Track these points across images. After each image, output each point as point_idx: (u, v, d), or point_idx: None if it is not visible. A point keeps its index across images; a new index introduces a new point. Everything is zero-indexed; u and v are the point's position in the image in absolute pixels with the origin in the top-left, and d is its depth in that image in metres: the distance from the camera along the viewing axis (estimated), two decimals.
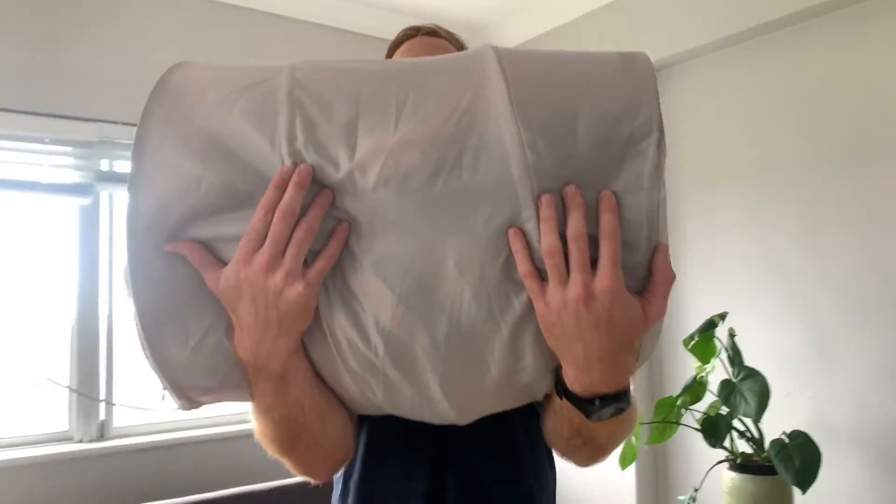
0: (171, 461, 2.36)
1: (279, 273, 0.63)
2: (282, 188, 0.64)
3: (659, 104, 0.65)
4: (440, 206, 0.64)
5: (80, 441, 2.31)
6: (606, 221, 0.62)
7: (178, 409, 0.77)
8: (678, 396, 1.99)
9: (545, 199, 0.62)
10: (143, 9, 2.42)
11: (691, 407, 2.00)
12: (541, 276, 0.63)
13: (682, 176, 2.47)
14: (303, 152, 0.65)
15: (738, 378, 1.88)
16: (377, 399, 0.72)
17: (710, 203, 2.38)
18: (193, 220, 0.66)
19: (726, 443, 1.94)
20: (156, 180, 0.66)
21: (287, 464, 0.81)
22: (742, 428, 1.94)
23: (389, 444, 0.90)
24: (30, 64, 2.22)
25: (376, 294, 0.65)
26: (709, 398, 1.99)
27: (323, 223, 0.66)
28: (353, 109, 0.66)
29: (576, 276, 0.61)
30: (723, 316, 1.94)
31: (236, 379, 0.72)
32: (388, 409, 0.75)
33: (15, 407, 2.29)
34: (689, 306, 2.42)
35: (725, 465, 1.95)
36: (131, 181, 0.66)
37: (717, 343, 1.96)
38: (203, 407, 0.76)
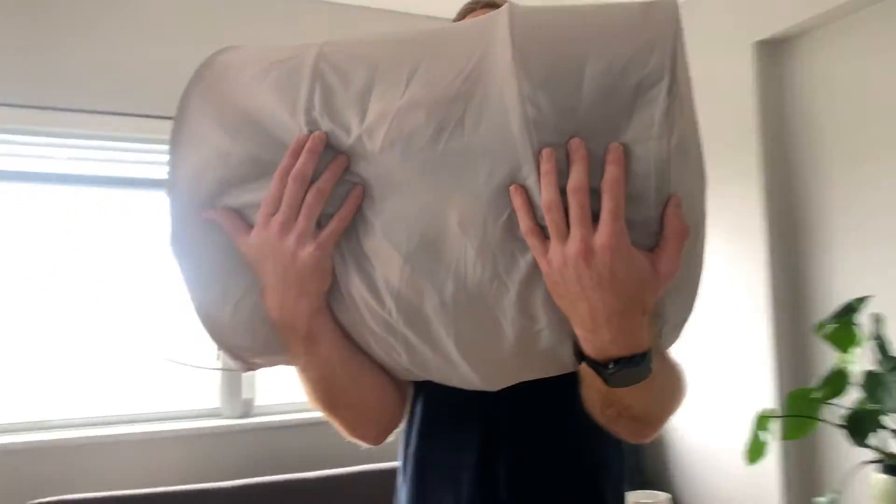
0: (310, 437, 2.51)
1: (292, 235, 0.67)
2: (297, 155, 0.67)
3: (675, 48, 0.61)
4: (443, 166, 0.64)
5: (228, 417, 2.53)
6: (609, 173, 0.59)
7: (237, 370, 0.82)
8: (816, 389, 1.81)
9: (545, 152, 0.60)
10: (263, 22, 2.59)
11: (833, 400, 1.82)
12: (544, 233, 0.61)
13: (826, 150, 2.25)
14: (318, 120, 0.68)
15: (887, 369, 1.68)
16: (403, 361, 0.74)
17: (860, 179, 2.14)
18: (225, 189, 0.71)
19: (878, 442, 1.74)
20: (190, 153, 0.71)
21: (335, 425, 0.84)
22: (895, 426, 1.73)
23: (444, 414, 0.91)
24: (160, 70, 2.44)
25: (385, 255, 0.67)
26: (854, 392, 1.79)
27: (340, 187, 0.68)
28: (369, 77, 0.68)
29: (574, 232, 0.59)
30: (862, 300, 1.75)
31: (277, 340, 0.76)
32: (419, 373, 0.76)
33: (173, 385, 2.55)
34: (836, 289, 2.20)
35: (874, 466, 1.75)
36: (170, 154, 0.72)
37: (860, 330, 1.76)
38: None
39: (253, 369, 0.82)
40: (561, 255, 0.60)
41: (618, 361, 0.63)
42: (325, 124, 0.68)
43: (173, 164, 0.72)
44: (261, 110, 0.71)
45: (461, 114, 0.64)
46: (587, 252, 0.58)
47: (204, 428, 2.43)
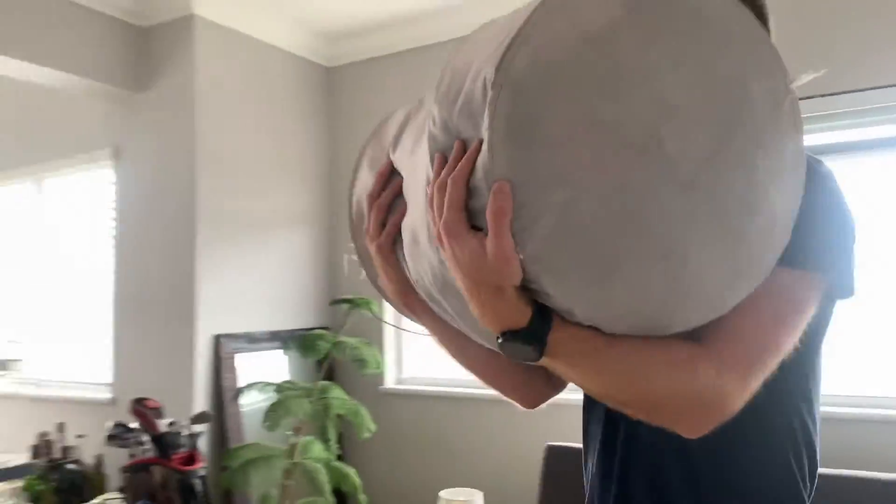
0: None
1: (369, 237, 0.94)
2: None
3: (519, 34, 0.63)
4: (414, 176, 0.82)
5: None
6: (456, 169, 0.67)
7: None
8: None
9: (435, 157, 0.72)
10: None
11: None
12: None
13: None
14: (390, 151, 0.94)
15: None
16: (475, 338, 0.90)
17: None
18: None
19: None
20: (356, 187, 1.06)
21: None
22: None
23: (588, 414, 1.00)
24: None
25: (405, 249, 0.87)
26: None
27: (399, 201, 0.91)
28: (424, 107, 0.90)
29: (432, 222, 0.70)
30: None
31: None
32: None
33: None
34: None
35: None
36: (349, 189, 1.07)
37: None
38: None
39: None
40: None
41: (497, 336, 0.69)
42: (393, 153, 0.93)
43: (350, 194, 1.07)
44: (384, 150, 1.00)
45: (425, 131, 0.81)
46: (438, 238, 0.69)
47: None
